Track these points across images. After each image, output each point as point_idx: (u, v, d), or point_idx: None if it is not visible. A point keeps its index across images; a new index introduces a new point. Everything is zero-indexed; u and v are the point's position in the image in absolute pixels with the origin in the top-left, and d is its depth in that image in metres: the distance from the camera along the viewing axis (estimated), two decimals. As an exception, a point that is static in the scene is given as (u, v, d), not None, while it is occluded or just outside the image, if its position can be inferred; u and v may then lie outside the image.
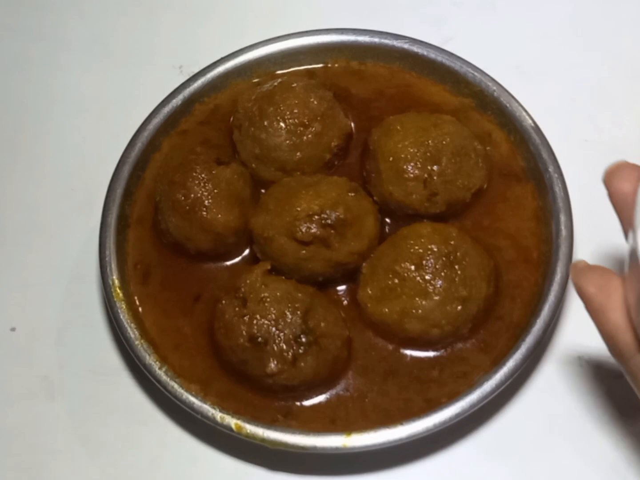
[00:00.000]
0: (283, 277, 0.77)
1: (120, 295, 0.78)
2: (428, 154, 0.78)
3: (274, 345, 0.73)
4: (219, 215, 0.78)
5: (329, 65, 0.88)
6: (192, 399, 0.74)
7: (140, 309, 0.79)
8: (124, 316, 0.77)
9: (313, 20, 0.93)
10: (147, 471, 0.79)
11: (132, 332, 0.77)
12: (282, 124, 0.81)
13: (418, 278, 0.75)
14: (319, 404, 0.75)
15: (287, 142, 0.81)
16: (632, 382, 0.60)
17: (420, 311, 0.74)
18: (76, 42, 1.00)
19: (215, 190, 0.79)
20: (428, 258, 0.75)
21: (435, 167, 0.78)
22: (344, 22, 0.89)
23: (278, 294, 0.74)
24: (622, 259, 0.83)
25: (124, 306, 0.78)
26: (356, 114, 0.86)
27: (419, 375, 0.76)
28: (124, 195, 0.82)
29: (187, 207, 0.79)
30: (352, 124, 0.85)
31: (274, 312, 0.73)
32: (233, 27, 0.99)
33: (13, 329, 0.85)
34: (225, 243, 0.80)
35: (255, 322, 0.73)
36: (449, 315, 0.74)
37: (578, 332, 0.80)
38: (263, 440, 0.73)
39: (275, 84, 0.83)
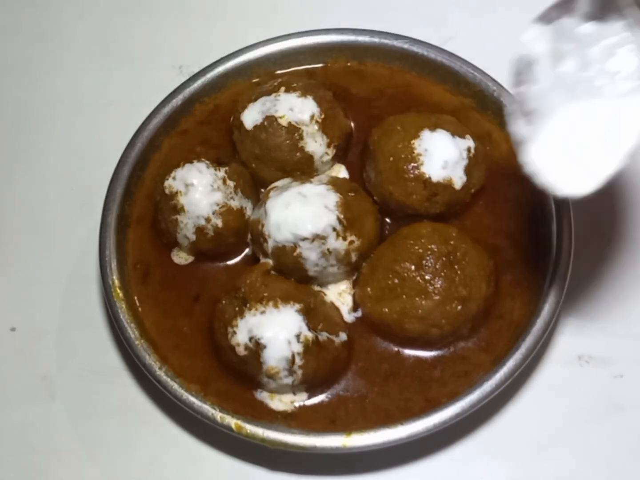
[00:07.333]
0: (283, 277, 0.77)
1: (120, 295, 0.78)
2: (428, 154, 0.78)
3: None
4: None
5: (329, 65, 0.88)
6: (192, 399, 0.74)
7: (140, 309, 0.79)
8: (124, 316, 0.77)
9: (313, 20, 0.93)
10: (147, 471, 0.79)
11: (132, 332, 0.77)
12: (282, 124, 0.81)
13: (418, 278, 0.75)
14: (319, 404, 0.75)
15: (287, 142, 0.81)
16: None
17: (420, 311, 0.74)
18: (76, 42, 1.00)
19: (215, 190, 0.79)
20: (428, 258, 0.75)
21: (435, 167, 0.78)
22: (344, 22, 0.89)
23: (278, 294, 0.74)
24: (621, 261, 0.83)
25: (124, 306, 0.78)
26: (356, 113, 0.86)
27: (421, 375, 0.76)
28: (124, 195, 0.82)
29: (187, 207, 0.79)
30: (352, 124, 0.85)
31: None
32: (233, 27, 0.99)
33: (13, 329, 0.85)
34: (225, 243, 0.80)
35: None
36: (448, 315, 0.74)
37: (578, 332, 0.80)
38: (263, 440, 0.73)
39: (275, 83, 0.83)
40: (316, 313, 0.75)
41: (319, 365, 0.74)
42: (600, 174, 0.66)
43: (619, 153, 0.66)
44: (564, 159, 0.67)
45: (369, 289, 0.77)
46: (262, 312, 0.73)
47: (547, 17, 0.66)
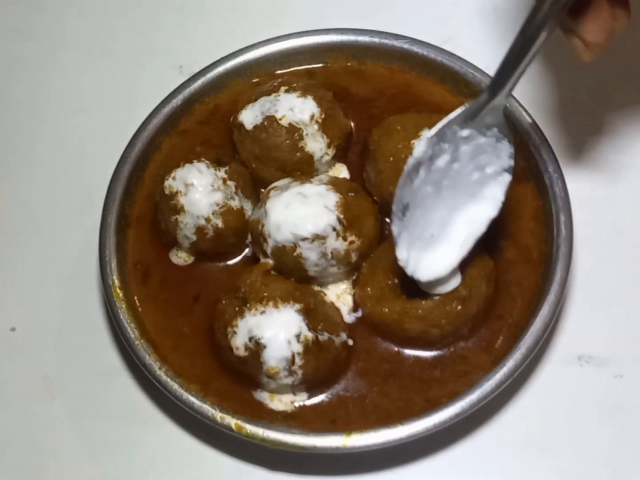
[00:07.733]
0: (283, 277, 0.77)
1: (120, 295, 0.78)
2: (428, 154, 0.78)
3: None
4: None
5: (329, 65, 0.88)
6: (192, 399, 0.74)
7: (140, 309, 0.79)
8: (124, 316, 0.77)
9: (313, 20, 0.93)
10: (147, 471, 0.79)
11: (132, 332, 0.77)
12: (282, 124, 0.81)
13: (418, 278, 0.75)
14: (319, 404, 0.75)
15: (287, 142, 0.81)
16: None
17: (420, 311, 0.74)
18: (76, 42, 1.00)
19: (215, 190, 0.79)
20: (428, 258, 0.75)
21: (435, 167, 0.78)
22: (344, 22, 0.89)
23: (278, 293, 0.74)
24: (622, 261, 0.83)
25: (124, 306, 0.78)
26: (356, 113, 0.86)
27: (421, 375, 0.76)
28: (124, 195, 0.82)
29: (187, 207, 0.79)
30: (352, 124, 0.85)
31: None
32: (233, 27, 0.99)
33: (13, 329, 0.85)
34: (225, 243, 0.80)
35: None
36: (449, 315, 0.74)
37: (578, 332, 0.80)
38: (263, 440, 0.73)
39: (275, 84, 0.83)
40: (316, 313, 0.75)
41: (319, 365, 0.74)
42: (449, 261, 0.72)
43: (466, 241, 0.73)
44: (424, 249, 0.72)
45: (369, 289, 0.77)
46: (262, 312, 0.73)
47: (440, 133, 0.69)
